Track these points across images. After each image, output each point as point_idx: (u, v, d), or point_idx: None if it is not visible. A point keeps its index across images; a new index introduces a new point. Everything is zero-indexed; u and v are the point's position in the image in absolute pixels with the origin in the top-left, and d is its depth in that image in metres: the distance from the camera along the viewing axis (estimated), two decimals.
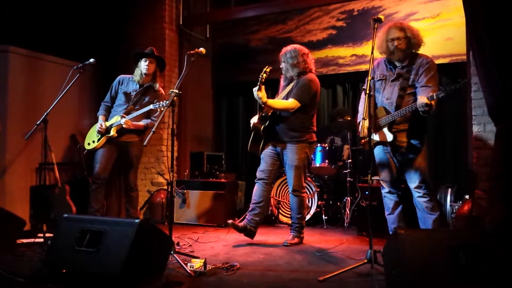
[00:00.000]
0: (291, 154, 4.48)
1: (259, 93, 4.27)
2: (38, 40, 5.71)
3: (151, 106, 4.75)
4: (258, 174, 4.66)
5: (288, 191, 5.82)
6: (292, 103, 4.39)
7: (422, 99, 3.51)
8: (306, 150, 4.53)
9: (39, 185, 5.51)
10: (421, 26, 5.94)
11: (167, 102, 3.91)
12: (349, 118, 6.31)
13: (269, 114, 4.53)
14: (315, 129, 4.65)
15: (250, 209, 4.62)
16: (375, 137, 3.86)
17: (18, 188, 5.41)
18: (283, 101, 4.46)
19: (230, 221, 4.54)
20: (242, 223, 4.56)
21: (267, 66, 4.33)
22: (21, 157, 5.39)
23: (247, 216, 4.62)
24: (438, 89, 3.61)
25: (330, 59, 6.86)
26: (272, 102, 4.41)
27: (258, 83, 4.26)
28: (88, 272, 2.99)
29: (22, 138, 4.99)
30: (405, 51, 3.84)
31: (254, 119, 4.66)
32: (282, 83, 4.72)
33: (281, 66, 4.59)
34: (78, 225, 3.19)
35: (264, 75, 4.28)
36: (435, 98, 3.48)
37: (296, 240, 4.57)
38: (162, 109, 4.14)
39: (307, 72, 4.55)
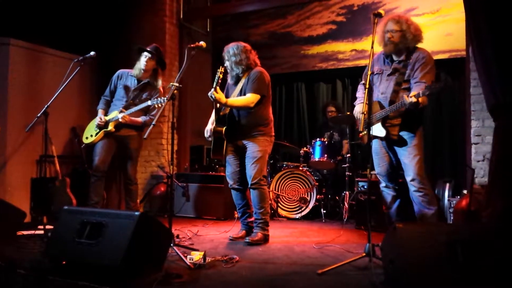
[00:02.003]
0: (253, 146, 4.30)
1: (215, 95, 4.06)
2: (38, 33, 5.72)
3: (149, 102, 4.77)
4: (228, 179, 4.53)
5: (286, 184, 5.94)
6: (251, 97, 4.22)
7: (409, 98, 3.54)
8: (268, 144, 4.39)
9: (39, 177, 5.54)
10: (420, 22, 5.90)
11: (165, 98, 3.90)
12: (333, 109, 6.35)
13: (227, 114, 4.36)
14: (272, 121, 4.49)
15: (240, 215, 4.56)
16: (371, 131, 3.86)
17: (19, 180, 5.44)
18: (243, 98, 4.26)
19: (230, 237, 4.45)
20: (242, 232, 4.50)
21: (220, 67, 4.22)
22: (21, 149, 5.41)
23: (242, 222, 4.56)
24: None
25: (330, 54, 6.87)
26: (232, 101, 4.24)
27: (214, 85, 4.09)
28: (88, 264, 3.01)
29: (23, 131, 5.01)
30: (398, 44, 3.82)
31: (210, 125, 4.49)
32: (229, 81, 4.52)
33: (225, 65, 4.38)
34: (79, 217, 3.21)
35: (220, 75, 4.15)
36: (421, 95, 3.49)
37: (259, 236, 4.28)
38: (160, 105, 4.11)
39: (253, 67, 4.40)
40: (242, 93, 4.34)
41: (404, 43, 3.82)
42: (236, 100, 4.28)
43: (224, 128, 4.32)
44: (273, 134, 4.49)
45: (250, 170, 4.30)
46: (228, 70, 4.40)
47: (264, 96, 4.32)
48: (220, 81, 4.16)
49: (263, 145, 4.32)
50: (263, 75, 4.36)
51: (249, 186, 4.35)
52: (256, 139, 4.31)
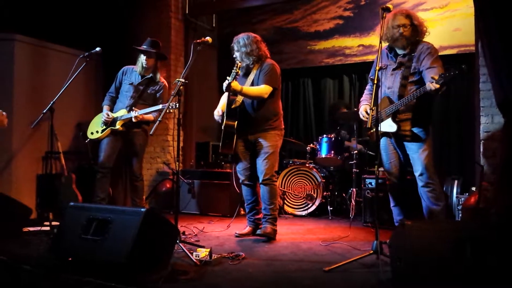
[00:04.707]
0: (264, 142, 4.26)
1: (232, 84, 4.03)
2: (44, 28, 5.71)
3: (160, 107, 4.79)
4: (239, 175, 4.49)
5: (292, 181, 5.91)
6: (265, 87, 4.17)
7: (431, 85, 3.44)
8: (278, 139, 4.34)
9: (45, 173, 5.55)
10: (429, 17, 5.91)
11: (176, 104, 3.89)
12: (345, 110, 6.30)
13: (238, 108, 4.29)
14: (282, 115, 4.44)
15: (248, 211, 4.53)
16: (381, 127, 3.83)
17: (25, 177, 5.44)
18: (257, 87, 4.21)
19: (236, 234, 4.43)
20: (248, 229, 4.47)
21: (238, 62, 4.15)
22: (27, 145, 5.42)
23: (248, 218, 4.54)
24: (443, 69, 3.58)
25: (337, 49, 6.82)
26: (247, 89, 4.17)
27: (232, 78, 4.03)
28: (94, 260, 3.01)
29: (28, 127, 5.00)
30: (410, 38, 3.81)
31: (217, 116, 4.44)
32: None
33: (234, 56, 4.34)
34: (85, 214, 3.20)
35: (238, 70, 4.09)
36: (443, 80, 3.40)
37: (270, 229, 4.24)
38: (170, 110, 4.11)
39: (264, 58, 4.35)
40: (253, 85, 4.30)
41: (415, 37, 3.81)
42: (251, 88, 4.23)
43: (236, 122, 4.26)
44: (283, 127, 4.46)
45: (262, 166, 4.27)
46: (238, 61, 4.30)
47: (276, 89, 4.29)
48: (237, 76, 4.11)
49: (274, 140, 4.29)
50: (276, 67, 4.33)
51: (260, 181, 4.31)
52: (267, 134, 4.28)
